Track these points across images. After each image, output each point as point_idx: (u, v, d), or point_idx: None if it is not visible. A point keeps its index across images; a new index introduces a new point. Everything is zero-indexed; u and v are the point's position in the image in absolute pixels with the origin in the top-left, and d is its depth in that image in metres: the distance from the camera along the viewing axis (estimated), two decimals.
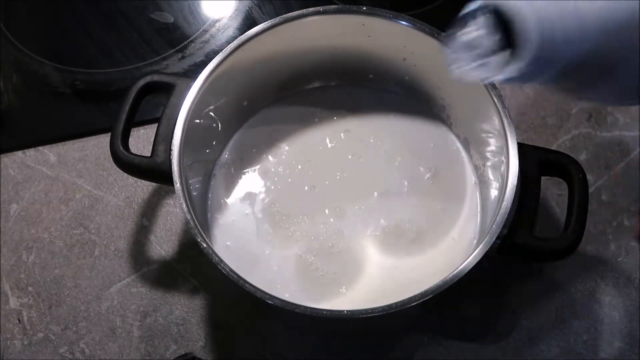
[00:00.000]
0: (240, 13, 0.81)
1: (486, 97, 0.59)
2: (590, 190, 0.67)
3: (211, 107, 0.63)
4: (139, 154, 0.61)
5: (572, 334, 0.65)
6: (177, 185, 0.57)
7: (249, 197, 0.66)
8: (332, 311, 0.54)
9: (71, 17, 0.82)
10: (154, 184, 0.71)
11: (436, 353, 0.65)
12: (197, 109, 0.60)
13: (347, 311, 0.53)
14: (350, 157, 0.67)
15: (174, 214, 0.71)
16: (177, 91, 0.61)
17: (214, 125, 0.66)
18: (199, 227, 0.55)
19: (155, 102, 0.67)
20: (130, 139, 0.61)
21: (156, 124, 0.60)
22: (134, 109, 0.61)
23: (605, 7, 0.41)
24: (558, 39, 0.41)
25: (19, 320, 0.68)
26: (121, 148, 0.60)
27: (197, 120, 0.61)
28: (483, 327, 0.65)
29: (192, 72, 0.76)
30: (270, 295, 0.53)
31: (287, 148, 0.68)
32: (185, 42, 0.79)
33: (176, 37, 0.80)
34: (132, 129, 0.62)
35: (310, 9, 0.62)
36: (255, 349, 0.65)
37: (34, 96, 0.78)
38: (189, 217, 0.56)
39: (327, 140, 0.68)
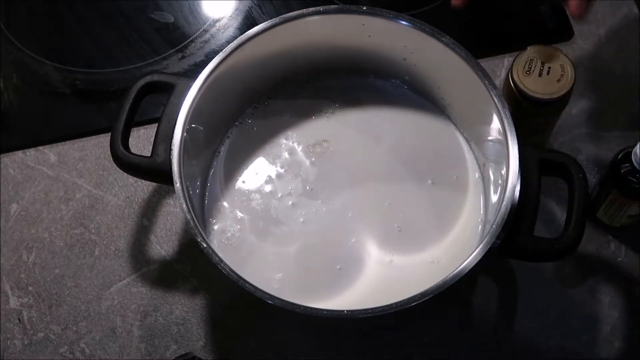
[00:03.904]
0: (240, 13, 0.81)
1: (486, 97, 0.59)
2: (590, 190, 0.67)
3: (211, 107, 0.63)
4: (139, 154, 0.61)
5: (572, 334, 0.65)
6: (177, 185, 0.57)
7: (248, 195, 0.66)
8: (332, 311, 0.54)
9: (71, 17, 0.82)
10: (154, 184, 0.71)
11: (436, 353, 0.65)
12: (197, 108, 0.60)
13: (347, 311, 0.53)
14: (350, 154, 0.67)
15: (174, 214, 0.71)
16: (177, 91, 0.61)
17: (214, 123, 0.66)
18: (199, 227, 0.55)
19: (155, 102, 0.67)
20: (130, 139, 0.61)
21: (156, 124, 0.60)
22: (134, 109, 0.61)
23: None
24: None
25: (19, 320, 0.68)
26: (121, 148, 0.60)
27: (197, 119, 0.61)
28: (483, 327, 0.65)
29: (192, 72, 0.76)
30: (270, 295, 0.53)
31: (286, 146, 0.68)
32: (185, 42, 0.79)
33: (176, 37, 0.80)
34: (132, 129, 0.62)
35: (310, 9, 0.62)
36: (255, 349, 0.65)
37: (34, 96, 0.78)
38: (189, 217, 0.56)
39: (327, 139, 0.68)
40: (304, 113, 0.69)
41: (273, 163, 0.67)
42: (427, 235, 0.64)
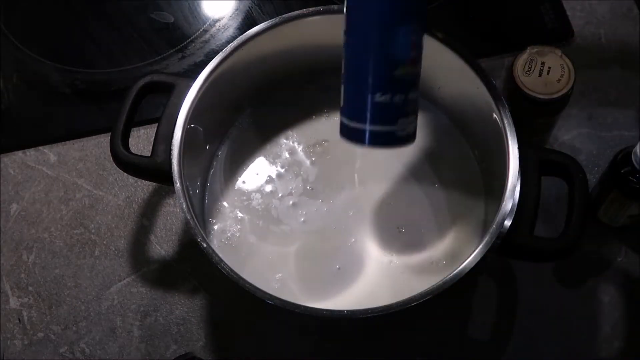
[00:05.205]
0: (240, 13, 0.81)
1: (486, 96, 0.59)
2: (590, 190, 0.66)
3: (211, 107, 0.63)
4: (139, 154, 0.61)
5: (572, 334, 0.65)
6: (177, 185, 0.57)
7: (249, 195, 0.66)
8: (332, 311, 0.54)
9: (71, 17, 0.82)
10: (154, 184, 0.71)
11: (436, 353, 0.65)
12: (197, 108, 0.60)
13: (347, 311, 0.53)
14: (350, 153, 0.67)
15: (174, 214, 0.71)
16: (177, 91, 0.61)
17: (214, 123, 0.66)
18: (199, 227, 0.55)
19: (155, 102, 0.67)
20: (130, 139, 0.62)
21: (156, 124, 0.61)
22: (134, 109, 0.61)
23: None
24: None
25: (19, 320, 0.68)
26: (121, 148, 0.60)
27: (197, 119, 0.61)
28: (483, 327, 0.65)
29: (192, 72, 0.76)
30: (270, 295, 0.53)
31: (286, 146, 0.68)
32: (185, 42, 0.79)
33: (176, 37, 0.80)
34: (132, 129, 0.62)
35: (310, 9, 0.62)
36: (255, 349, 0.65)
37: (34, 96, 0.78)
38: (189, 217, 0.56)
39: (327, 138, 0.68)
40: (304, 113, 0.69)
41: (273, 163, 0.67)
42: (427, 236, 0.64)
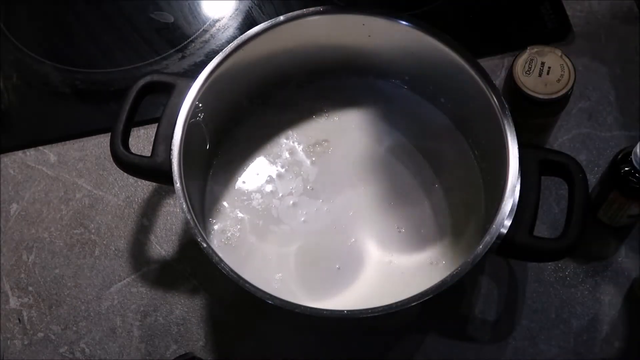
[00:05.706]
0: (240, 13, 0.81)
1: (486, 97, 0.59)
2: (590, 190, 0.67)
3: (211, 107, 0.63)
4: (139, 154, 0.61)
5: (572, 334, 0.65)
6: (177, 185, 0.57)
7: (249, 195, 0.66)
8: (332, 311, 0.54)
9: (71, 17, 0.82)
10: (154, 184, 0.71)
11: (436, 353, 0.65)
12: (196, 108, 0.60)
13: (347, 311, 0.53)
14: (351, 153, 0.67)
15: (174, 214, 0.71)
16: (177, 91, 0.61)
17: (214, 124, 0.66)
18: (199, 227, 0.55)
19: (155, 102, 0.67)
20: (130, 139, 0.62)
21: (156, 124, 0.61)
22: (134, 109, 0.61)
23: None
24: None
25: (19, 320, 0.68)
26: (121, 148, 0.60)
27: (197, 120, 0.61)
28: (483, 327, 0.65)
29: (192, 72, 0.76)
30: (270, 295, 0.53)
31: (286, 146, 0.68)
32: (185, 42, 0.79)
33: (176, 37, 0.80)
34: (132, 129, 0.62)
35: (310, 9, 0.62)
36: (255, 349, 0.65)
37: (34, 96, 0.78)
38: (189, 217, 0.56)
39: (327, 138, 0.68)
40: (304, 113, 0.69)
41: (273, 163, 0.67)
42: (426, 236, 0.64)
